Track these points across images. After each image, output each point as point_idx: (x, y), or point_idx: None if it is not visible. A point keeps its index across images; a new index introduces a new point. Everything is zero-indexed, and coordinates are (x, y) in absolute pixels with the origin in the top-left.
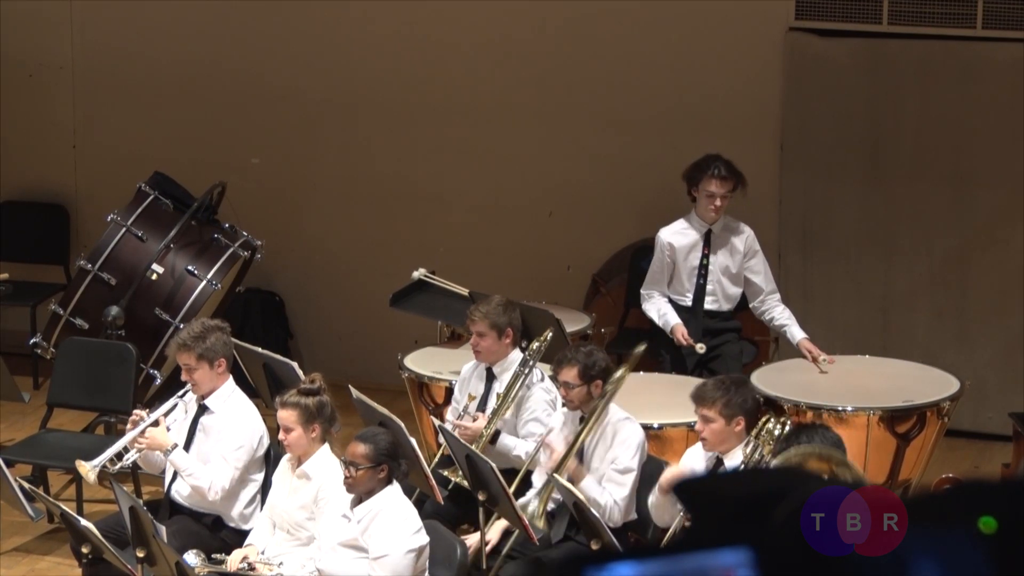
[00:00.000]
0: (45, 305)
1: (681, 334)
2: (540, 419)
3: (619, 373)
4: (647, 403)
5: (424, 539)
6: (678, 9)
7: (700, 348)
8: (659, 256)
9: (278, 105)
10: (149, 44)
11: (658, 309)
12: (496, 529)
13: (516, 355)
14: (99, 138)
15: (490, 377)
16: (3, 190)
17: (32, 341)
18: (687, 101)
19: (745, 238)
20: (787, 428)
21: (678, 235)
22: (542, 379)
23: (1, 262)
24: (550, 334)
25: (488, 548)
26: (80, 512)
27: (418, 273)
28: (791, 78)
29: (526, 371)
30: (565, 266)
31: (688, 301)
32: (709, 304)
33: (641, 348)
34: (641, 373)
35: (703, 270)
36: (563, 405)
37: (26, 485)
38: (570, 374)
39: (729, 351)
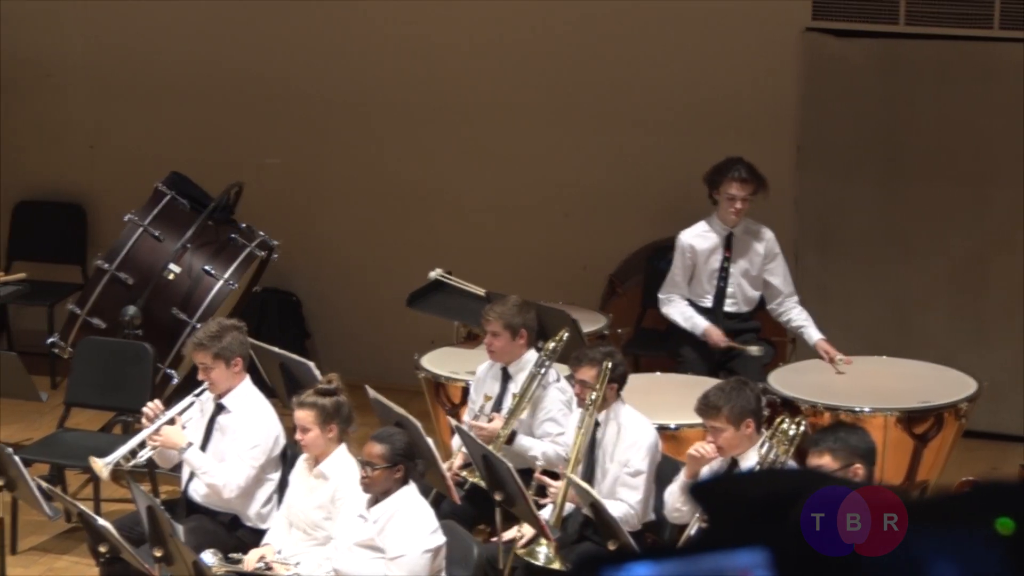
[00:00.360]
0: (62, 305)
1: (717, 337)
2: (556, 419)
3: (594, 395)
4: (664, 403)
5: (441, 539)
6: (695, 9)
7: (755, 351)
8: (680, 259)
9: (295, 106)
10: (166, 45)
11: (682, 312)
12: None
13: (531, 355)
14: (116, 138)
15: (506, 377)
16: (21, 190)
17: (49, 341)
18: (704, 101)
19: (765, 241)
20: (802, 428)
21: (699, 238)
22: (557, 379)
23: (18, 262)
24: (566, 334)
25: (518, 544)
26: (97, 511)
27: (435, 273)
28: (808, 79)
29: (542, 371)
30: (581, 266)
31: (708, 303)
32: (729, 306)
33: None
34: (658, 373)
35: (723, 273)
36: (579, 405)
37: (44, 484)
38: (589, 373)
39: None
